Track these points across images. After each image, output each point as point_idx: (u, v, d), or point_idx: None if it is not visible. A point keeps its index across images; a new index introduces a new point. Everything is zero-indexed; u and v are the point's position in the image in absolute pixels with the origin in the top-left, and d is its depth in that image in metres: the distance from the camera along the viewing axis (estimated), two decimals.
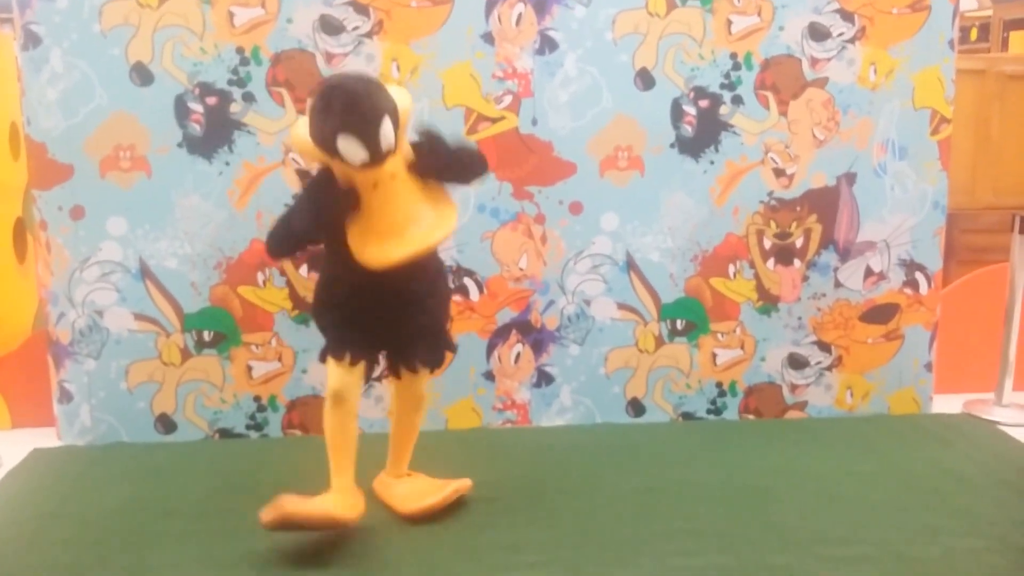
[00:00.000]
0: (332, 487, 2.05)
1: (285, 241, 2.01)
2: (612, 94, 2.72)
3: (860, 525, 2.16)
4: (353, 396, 2.06)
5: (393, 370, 2.17)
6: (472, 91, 2.65)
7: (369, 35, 2.60)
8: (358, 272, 1.97)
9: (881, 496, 2.32)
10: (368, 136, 1.84)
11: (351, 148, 1.84)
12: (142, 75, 2.55)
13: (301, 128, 1.96)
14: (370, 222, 1.95)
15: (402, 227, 1.96)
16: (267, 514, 1.91)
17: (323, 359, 2.07)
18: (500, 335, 2.80)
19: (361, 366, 2.06)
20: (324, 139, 1.86)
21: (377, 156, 1.87)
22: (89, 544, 2.05)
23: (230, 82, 2.58)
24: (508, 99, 2.68)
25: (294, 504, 1.92)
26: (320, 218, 1.95)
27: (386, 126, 1.89)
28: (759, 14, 2.74)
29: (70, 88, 2.54)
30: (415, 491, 2.20)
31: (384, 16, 2.59)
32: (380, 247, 1.93)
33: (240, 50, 2.57)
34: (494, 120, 2.69)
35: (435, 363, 2.18)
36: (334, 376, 2.04)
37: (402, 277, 2.01)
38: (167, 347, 2.67)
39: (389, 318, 2.05)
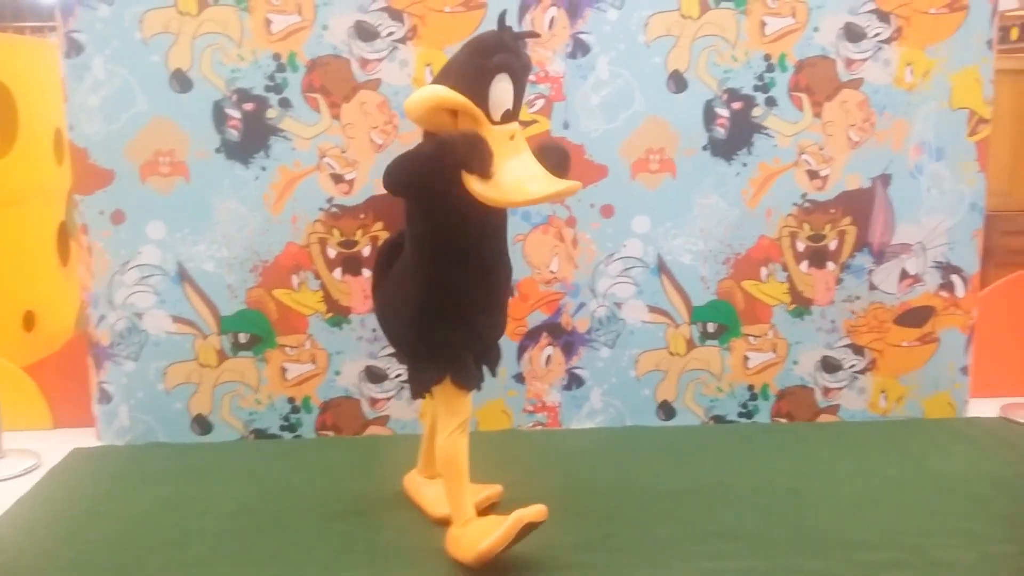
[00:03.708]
0: (468, 519, 1.98)
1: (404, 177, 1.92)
2: (644, 97, 2.72)
3: (893, 530, 2.14)
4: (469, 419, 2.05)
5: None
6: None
7: (403, 40, 2.62)
8: (464, 272, 1.93)
9: (915, 501, 2.30)
10: (521, 85, 1.87)
11: (503, 91, 1.83)
12: (181, 82, 2.60)
13: (426, 89, 1.87)
14: (501, 172, 1.83)
15: (535, 174, 1.86)
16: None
17: (419, 394, 2.01)
18: (531, 337, 2.81)
19: None
20: (480, 76, 1.82)
21: (518, 108, 1.89)
22: (127, 542, 2.09)
23: (267, 88, 2.62)
24: (540, 103, 2.69)
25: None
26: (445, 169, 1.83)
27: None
28: (793, 15, 2.72)
29: (111, 95, 2.59)
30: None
31: (418, 21, 2.62)
32: (521, 186, 1.82)
33: (277, 56, 2.61)
34: (526, 124, 2.69)
35: (497, 365, 2.17)
36: (462, 405, 2.00)
37: (505, 274, 2.02)
38: (204, 349, 2.72)
39: (492, 322, 2.03)
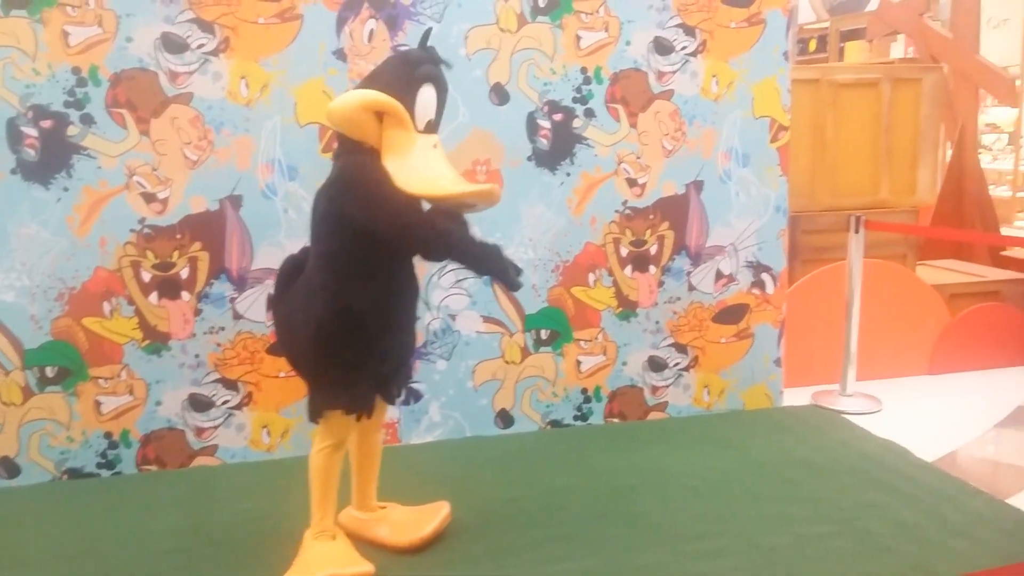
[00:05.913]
0: (324, 530, 2.01)
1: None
2: (468, 109, 2.74)
3: (719, 519, 2.25)
4: (348, 438, 2.03)
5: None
6: (325, 108, 2.61)
7: (215, 53, 2.53)
8: (379, 292, 1.92)
9: (738, 489, 2.43)
10: (442, 100, 1.92)
11: (428, 100, 1.88)
12: None
13: (354, 92, 1.91)
14: (422, 170, 1.86)
15: (454, 177, 1.88)
16: None
17: (315, 418, 1.97)
18: None
19: None
20: (408, 84, 1.87)
21: (438, 122, 1.93)
22: None
23: (67, 104, 2.45)
24: None
25: None
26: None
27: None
28: (606, 29, 2.82)
29: None
30: (404, 522, 2.17)
31: (231, 33, 2.53)
32: (437, 181, 1.85)
33: (76, 70, 2.45)
34: None
35: (405, 386, 2.17)
36: (340, 427, 1.97)
37: (414, 293, 2.02)
38: (6, 386, 2.51)
39: (399, 342, 2.02)
